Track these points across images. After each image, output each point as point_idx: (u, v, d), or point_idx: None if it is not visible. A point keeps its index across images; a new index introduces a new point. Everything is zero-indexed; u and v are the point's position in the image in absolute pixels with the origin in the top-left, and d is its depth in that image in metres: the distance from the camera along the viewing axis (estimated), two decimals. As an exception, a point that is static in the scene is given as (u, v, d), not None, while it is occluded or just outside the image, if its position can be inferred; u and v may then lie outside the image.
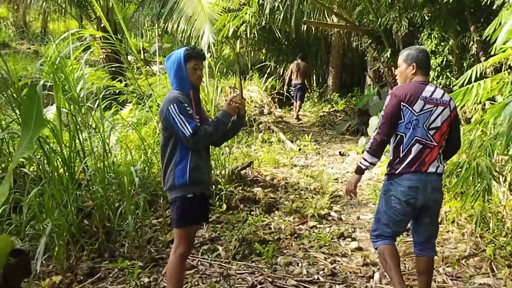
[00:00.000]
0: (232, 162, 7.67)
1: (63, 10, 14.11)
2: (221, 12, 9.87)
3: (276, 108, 16.13)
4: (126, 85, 9.38)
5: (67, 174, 4.68)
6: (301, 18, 11.51)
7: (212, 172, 6.37)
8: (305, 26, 12.02)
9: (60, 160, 4.66)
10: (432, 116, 3.49)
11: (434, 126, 3.51)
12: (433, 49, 9.45)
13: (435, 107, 3.50)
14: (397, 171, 3.56)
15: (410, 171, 3.51)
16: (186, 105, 3.39)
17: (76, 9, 12.75)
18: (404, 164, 3.53)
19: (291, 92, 14.43)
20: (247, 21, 9.25)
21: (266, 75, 17.40)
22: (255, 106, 16.06)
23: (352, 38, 12.83)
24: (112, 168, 5.16)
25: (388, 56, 10.66)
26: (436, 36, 9.35)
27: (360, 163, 3.72)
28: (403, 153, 3.54)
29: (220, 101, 15.46)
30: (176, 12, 10.71)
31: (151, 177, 5.80)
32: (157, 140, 6.16)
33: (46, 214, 4.34)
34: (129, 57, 23.16)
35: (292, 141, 10.50)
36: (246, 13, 9.08)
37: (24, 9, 14.15)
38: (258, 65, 17.85)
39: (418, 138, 3.50)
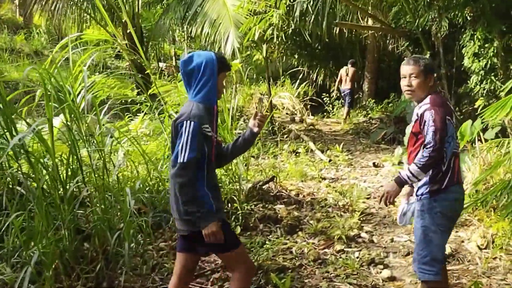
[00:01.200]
0: (255, 175, 7.10)
1: (91, 17, 13.81)
2: (247, 15, 9.32)
3: (309, 115, 15.56)
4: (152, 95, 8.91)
5: (61, 192, 4.17)
6: (333, 21, 10.89)
7: (227, 188, 5.82)
8: (338, 29, 11.38)
9: (52, 176, 4.15)
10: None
11: (455, 136, 3.49)
12: (476, 51, 8.72)
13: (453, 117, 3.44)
14: (443, 186, 3.35)
15: (454, 183, 3.38)
16: (206, 126, 3.02)
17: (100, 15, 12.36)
18: (448, 177, 3.35)
19: (341, 99, 14.48)
20: (274, 24, 8.65)
21: (298, 80, 16.84)
22: (287, 113, 15.51)
23: (388, 41, 12.14)
24: (114, 186, 4.64)
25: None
26: (480, 37, 8.62)
27: (406, 176, 3.37)
28: (446, 166, 3.35)
29: (251, 108, 15.06)
30: (200, 16, 10.22)
31: (160, 195, 5.25)
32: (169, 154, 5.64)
33: (34, 240, 3.84)
34: (162, 64, 23.00)
35: (322, 151, 9.86)
36: (272, 15, 8.50)
37: (60, 16, 13.95)
38: (290, 71, 17.32)
39: (455, 151, 3.42)
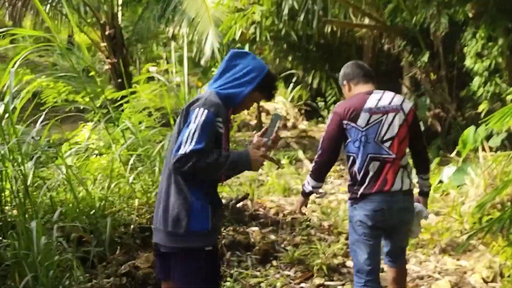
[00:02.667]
0: (233, 190, 6.30)
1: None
2: (228, 12, 8.55)
3: (303, 121, 14.78)
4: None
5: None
6: (324, 18, 10.09)
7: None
8: (330, 28, 10.59)
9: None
10: (383, 127, 3.14)
11: (388, 137, 3.15)
12: (479, 51, 7.92)
13: (384, 115, 3.15)
14: (358, 194, 3.18)
15: (372, 192, 3.14)
16: (220, 120, 2.50)
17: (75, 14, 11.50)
18: (364, 186, 3.15)
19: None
20: (257, 22, 7.89)
21: (292, 84, 16.06)
22: (279, 119, 14.73)
23: (384, 41, 11.32)
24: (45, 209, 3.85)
25: (426, 60, 9.15)
26: (483, 35, 7.81)
27: (304, 185, 3.46)
28: (361, 174, 3.16)
29: (247, 116, 14.29)
30: (178, 14, 9.43)
31: (106, 219, 4.44)
32: (120, 172, 4.82)
33: None
34: (152, 68, 22.22)
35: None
36: (254, 12, 7.73)
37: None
38: (283, 74, 16.53)
39: (373, 155, 3.14)
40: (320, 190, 3.78)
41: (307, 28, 10.39)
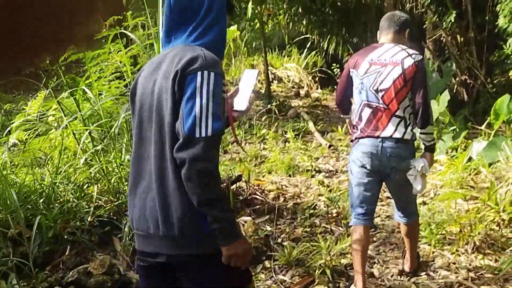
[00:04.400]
0: (230, 167, 5.44)
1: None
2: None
3: (317, 89, 13.81)
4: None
5: None
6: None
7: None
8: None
9: None
10: (379, 77, 3.34)
11: (382, 87, 3.34)
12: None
13: (383, 67, 3.34)
14: (354, 137, 3.49)
15: (364, 136, 3.40)
16: (224, 83, 1.97)
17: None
18: (359, 130, 3.45)
19: None
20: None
21: (306, 50, 15.04)
22: (293, 87, 13.79)
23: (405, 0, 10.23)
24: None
25: (453, 20, 8.09)
26: (520, -10, 6.78)
27: None
28: (357, 118, 3.47)
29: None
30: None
31: (53, 211, 3.59)
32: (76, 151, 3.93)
33: None
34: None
35: (324, 133, 8.12)
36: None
37: None
38: (297, 38, 15.49)
39: (367, 102, 3.40)
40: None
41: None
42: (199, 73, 1.83)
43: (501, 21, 7.10)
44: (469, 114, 8.23)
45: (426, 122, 3.37)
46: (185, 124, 1.79)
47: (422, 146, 3.52)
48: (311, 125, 8.43)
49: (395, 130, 3.31)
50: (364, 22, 14.35)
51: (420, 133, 3.43)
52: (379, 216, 4.78)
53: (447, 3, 8.22)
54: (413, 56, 3.32)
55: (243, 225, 4.17)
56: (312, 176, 5.87)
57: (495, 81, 8.85)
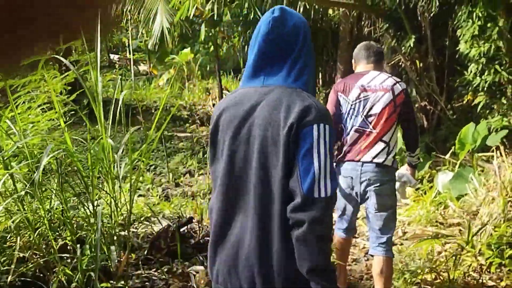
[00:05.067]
0: (180, 204, 4.95)
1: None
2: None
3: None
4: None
5: None
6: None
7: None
8: (302, 8, 9.24)
9: None
10: (369, 103, 3.38)
11: (373, 112, 3.38)
12: (476, 33, 6.66)
13: (373, 93, 3.38)
14: (337, 159, 3.52)
15: (344, 160, 3.47)
16: None
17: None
18: (342, 153, 3.51)
19: None
20: (214, -2, 6.53)
21: (262, 73, 14.76)
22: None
23: (363, 23, 10.04)
24: None
25: (411, 45, 7.87)
26: (480, 15, 6.58)
27: None
28: (342, 142, 3.54)
29: (207, 104, 12.93)
30: (121, -12, 8.00)
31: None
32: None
33: None
34: (114, 56, 20.68)
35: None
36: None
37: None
38: (253, 63, 15.22)
39: (356, 127, 3.44)
40: None
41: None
42: (315, 127, 1.69)
43: (462, 46, 6.89)
44: (430, 142, 8.01)
45: (417, 145, 3.58)
46: (303, 183, 1.67)
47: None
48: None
49: (377, 155, 3.38)
50: (320, 46, 14.17)
51: (411, 156, 3.60)
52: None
53: (406, 28, 8.01)
54: (400, 83, 3.43)
55: (194, 276, 3.68)
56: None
57: (455, 107, 8.69)
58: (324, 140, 1.70)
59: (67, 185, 3.32)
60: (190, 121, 11.14)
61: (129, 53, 13.66)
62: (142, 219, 4.49)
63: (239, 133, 1.80)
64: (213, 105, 12.44)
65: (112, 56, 20.10)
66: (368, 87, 3.39)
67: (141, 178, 6.23)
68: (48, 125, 3.75)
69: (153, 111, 10.73)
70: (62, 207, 3.25)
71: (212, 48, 15.39)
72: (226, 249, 1.82)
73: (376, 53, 3.54)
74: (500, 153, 5.78)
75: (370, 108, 3.36)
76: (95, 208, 3.18)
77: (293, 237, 1.68)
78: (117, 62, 19.48)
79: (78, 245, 3.04)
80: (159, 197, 5.68)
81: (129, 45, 15.25)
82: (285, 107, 1.72)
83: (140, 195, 5.75)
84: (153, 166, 7.20)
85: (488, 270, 3.75)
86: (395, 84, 3.37)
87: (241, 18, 12.78)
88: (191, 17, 6.77)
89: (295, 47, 1.82)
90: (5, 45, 0.43)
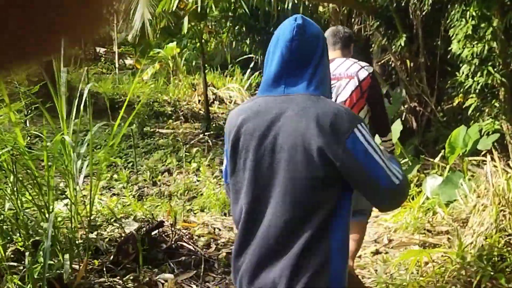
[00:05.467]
0: (155, 204, 4.66)
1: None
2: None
3: (260, 111, 13.23)
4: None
5: None
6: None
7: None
8: (290, 4, 8.95)
9: None
10: (334, 92, 3.35)
11: (340, 100, 3.36)
12: (469, 33, 6.41)
13: (338, 81, 3.39)
14: None
15: None
16: None
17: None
18: None
19: None
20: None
21: (250, 70, 14.46)
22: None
23: (353, 21, 9.78)
24: None
25: (402, 44, 7.61)
26: (474, 14, 6.32)
27: None
28: None
29: (192, 101, 12.61)
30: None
31: None
32: None
33: None
34: (100, 49, 20.27)
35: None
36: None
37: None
38: (240, 58, 14.89)
39: None
40: None
41: (264, 3, 8.82)
42: (356, 130, 1.73)
43: (455, 46, 6.64)
44: (419, 144, 7.78)
45: (387, 129, 3.61)
46: (382, 180, 1.75)
47: None
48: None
49: None
50: (309, 43, 13.94)
51: (382, 141, 3.58)
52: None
53: (397, 26, 7.76)
54: (366, 68, 3.46)
55: (162, 284, 3.39)
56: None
57: (445, 108, 8.47)
58: (367, 136, 1.75)
59: (21, 186, 3.02)
60: (173, 117, 10.82)
61: (115, 46, 13.26)
62: (111, 220, 4.19)
63: (263, 143, 1.78)
64: (199, 101, 12.13)
65: (98, 49, 19.71)
66: (333, 76, 3.30)
67: (116, 176, 5.93)
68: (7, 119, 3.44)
69: (135, 106, 10.41)
70: (15, 209, 2.95)
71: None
72: (250, 256, 1.81)
73: (342, 39, 3.55)
74: (492, 158, 5.56)
75: (337, 96, 3.38)
76: (49, 211, 2.88)
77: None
78: (103, 56, 19.09)
79: (30, 252, 2.74)
80: (134, 197, 5.39)
81: (115, 38, 14.88)
82: (314, 116, 1.71)
83: (113, 194, 5.45)
84: (131, 163, 6.90)
85: (479, 284, 3.49)
86: (360, 69, 3.42)
87: (230, 13, 12.53)
88: (174, 9, 6.46)
89: (316, 55, 1.83)
90: (25, 41, 0.44)
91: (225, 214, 5.16)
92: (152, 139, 8.53)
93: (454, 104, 8.74)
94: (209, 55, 16.45)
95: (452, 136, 5.96)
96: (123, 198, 5.05)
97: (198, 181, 6.21)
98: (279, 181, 1.74)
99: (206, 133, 9.18)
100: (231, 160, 1.87)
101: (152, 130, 9.13)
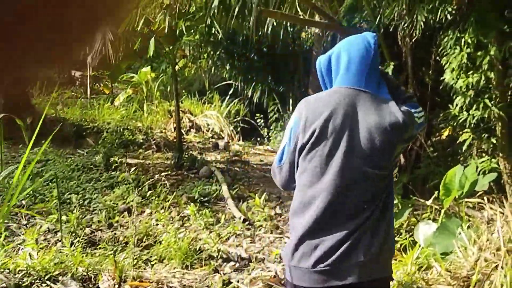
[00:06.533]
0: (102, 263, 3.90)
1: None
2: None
3: (239, 140, 12.57)
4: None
5: None
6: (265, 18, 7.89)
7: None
8: (270, 28, 8.31)
9: None
10: None
11: None
12: (464, 62, 5.80)
13: None
14: None
15: None
16: None
17: None
18: None
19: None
20: (166, 6, 5.55)
21: (229, 97, 13.84)
22: (212, 137, 12.45)
23: (337, 47, 9.22)
24: None
25: (390, 73, 6.97)
26: (470, 42, 5.73)
27: None
28: None
29: (168, 127, 11.88)
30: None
31: None
32: None
33: None
34: (75, 72, 19.52)
35: (240, 200, 6.68)
36: (161, -8, 5.40)
37: None
38: (220, 84, 14.26)
39: None
40: None
41: (243, 27, 8.21)
42: (419, 123, 2.46)
43: (448, 76, 6.04)
44: (407, 182, 7.13)
45: None
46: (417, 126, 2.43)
47: None
48: (224, 188, 6.97)
49: None
50: (291, 71, 13.36)
51: None
52: None
53: (384, 53, 7.16)
54: None
55: None
56: (216, 270, 4.37)
57: (434, 142, 7.89)
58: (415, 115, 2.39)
59: None
60: (145, 146, 10.10)
61: (88, 69, 12.54)
62: (45, 278, 3.44)
63: (341, 137, 2.15)
64: (174, 128, 11.41)
65: (73, 72, 19.01)
66: None
67: (64, 218, 5.15)
68: None
69: (105, 133, 9.65)
70: None
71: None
72: (333, 233, 2.11)
73: None
74: (490, 200, 4.95)
75: None
76: None
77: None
78: (79, 79, 18.35)
79: None
80: (81, 244, 4.62)
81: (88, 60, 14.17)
82: (387, 113, 2.21)
83: (57, 241, 4.68)
84: (87, 201, 6.12)
85: None
86: None
87: (211, 38, 11.93)
88: (139, 29, 5.78)
89: (378, 66, 2.42)
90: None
91: (187, 267, 4.40)
92: (117, 171, 7.77)
93: (443, 137, 8.22)
94: (187, 81, 15.81)
95: (447, 176, 5.30)
96: (62, 249, 4.28)
97: (158, 224, 5.44)
98: (358, 171, 2.16)
99: (177, 165, 8.46)
100: (312, 146, 2.17)
101: (119, 160, 8.39)
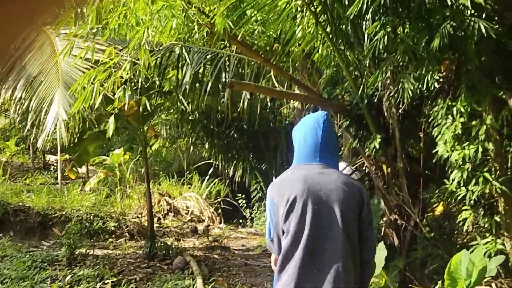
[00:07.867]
0: None
1: None
2: (87, 68, 5.63)
3: (220, 223, 11.82)
4: None
5: None
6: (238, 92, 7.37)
7: None
8: (246, 103, 7.79)
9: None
10: None
11: None
12: (459, 132, 5.23)
13: None
14: None
15: None
16: None
17: None
18: None
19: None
20: (126, 79, 5.00)
21: (208, 177, 13.22)
22: (191, 220, 11.69)
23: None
24: None
25: (377, 147, 6.33)
26: (463, 110, 5.18)
27: None
28: None
29: (144, 211, 11.12)
30: (14, 72, 6.32)
31: None
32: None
33: None
34: (50, 157, 18.86)
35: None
36: (121, 64, 4.84)
37: None
38: (199, 164, 13.68)
39: None
40: None
41: (217, 103, 7.69)
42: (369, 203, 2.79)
43: (441, 149, 5.42)
44: (404, 267, 6.39)
45: None
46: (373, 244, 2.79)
47: None
48: (199, 283, 6.16)
49: None
50: (272, 147, 12.83)
51: None
52: None
53: (369, 125, 6.60)
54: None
55: None
56: None
57: (428, 219, 7.25)
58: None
59: None
60: (117, 234, 9.31)
61: (58, 153, 11.87)
62: None
63: (320, 206, 2.56)
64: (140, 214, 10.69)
65: (48, 157, 18.35)
66: None
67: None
68: None
69: (73, 221, 8.87)
70: None
71: (154, 148, 13.88)
72: (317, 275, 2.53)
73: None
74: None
75: None
76: None
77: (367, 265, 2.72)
78: (54, 164, 17.63)
79: None
80: None
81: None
82: (357, 188, 2.68)
83: None
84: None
85: None
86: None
87: (190, 117, 11.45)
88: (97, 106, 5.19)
89: (336, 145, 2.94)
90: None
91: None
92: (82, 265, 6.96)
93: (437, 213, 7.61)
94: (166, 162, 15.23)
95: (451, 264, 4.60)
96: None
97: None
98: (338, 234, 2.57)
99: (149, 255, 7.66)
100: (286, 217, 2.58)
101: (86, 252, 7.58)
